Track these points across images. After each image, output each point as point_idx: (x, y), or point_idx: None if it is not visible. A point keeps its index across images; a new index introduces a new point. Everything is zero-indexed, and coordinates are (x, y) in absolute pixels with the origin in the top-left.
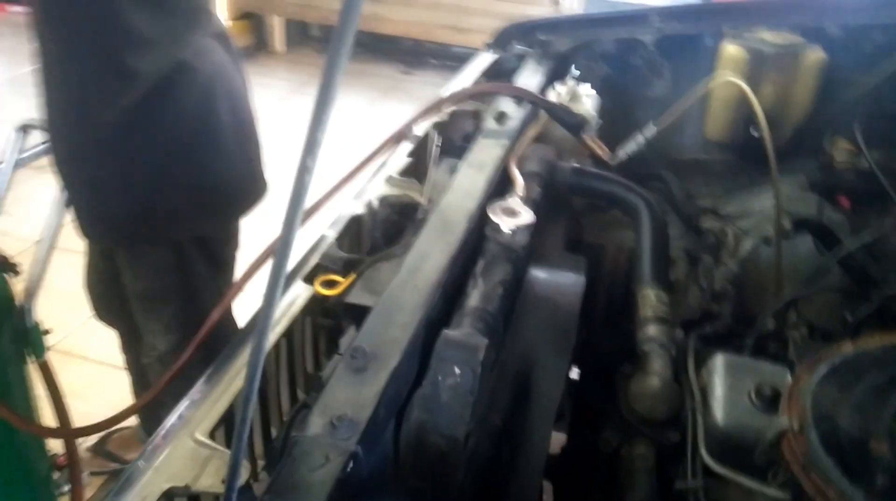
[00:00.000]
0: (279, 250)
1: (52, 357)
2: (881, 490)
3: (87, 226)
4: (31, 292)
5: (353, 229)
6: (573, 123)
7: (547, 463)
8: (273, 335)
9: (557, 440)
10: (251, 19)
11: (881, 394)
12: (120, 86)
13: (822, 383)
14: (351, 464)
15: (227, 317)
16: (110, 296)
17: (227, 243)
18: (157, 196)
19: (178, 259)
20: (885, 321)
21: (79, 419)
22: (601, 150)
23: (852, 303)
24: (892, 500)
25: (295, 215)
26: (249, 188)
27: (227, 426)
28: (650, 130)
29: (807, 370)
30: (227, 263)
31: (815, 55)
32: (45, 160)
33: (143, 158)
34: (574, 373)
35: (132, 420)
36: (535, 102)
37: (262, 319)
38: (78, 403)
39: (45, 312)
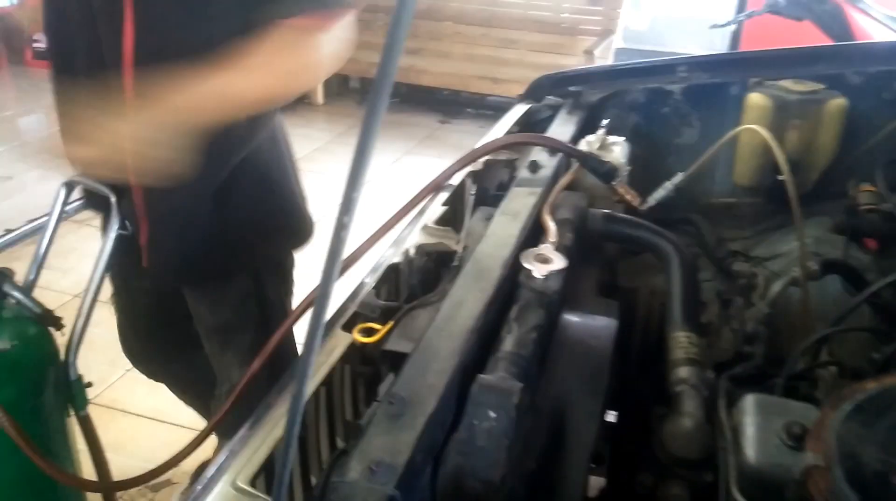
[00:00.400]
0: (318, 302)
1: (92, 410)
2: None
3: (169, 267)
4: (73, 346)
5: (391, 278)
6: (603, 171)
7: None
8: (312, 383)
9: (596, 483)
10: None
11: None
12: (232, 149)
13: (846, 420)
14: None
15: (290, 340)
16: (163, 342)
17: (293, 266)
18: (248, 227)
19: (256, 287)
20: None
21: (118, 472)
22: (631, 196)
23: (881, 342)
24: None
25: (332, 269)
26: (309, 213)
27: (267, 475)
28: (678, 178)
29: (832, 407)
30: (291, 287)
31: (837, 102)
32: (85, 214)
33: (236, 195)
34: (611, 417)
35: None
36: (566, 152)
37: (301, 366)
38: (117, 456)
39: (85, 364)
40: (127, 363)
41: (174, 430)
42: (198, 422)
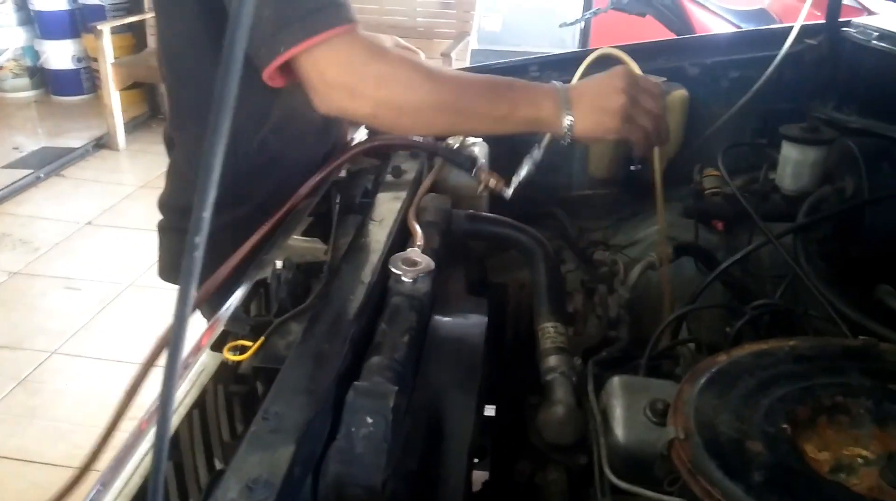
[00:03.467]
0: (175, 329)
1: None
2: (759, 484)
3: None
4: None
5: (260, 293)
6: (461, 160)
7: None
8: (183, 406)
9: (480, 477)
10: (142, 88)
11: (752, 397)
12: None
13: (701, 392)
14: None
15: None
16: None
17: None
18: None
19: None
20: (758, 330)
21: None
22: (495, 179)
23: (733, 317)
24: (768, 492)
25: (187, 292)
26: None
27: None
28: (537, 152)
29: (688, 381)
30: None
31: (678, 94)
32: None
33: None
34: (491, 411)
35: None
36: (423, 149)
37: (165, 385)
38: None
39: None
40: None
41: (42, 470)
42: (69, 459)
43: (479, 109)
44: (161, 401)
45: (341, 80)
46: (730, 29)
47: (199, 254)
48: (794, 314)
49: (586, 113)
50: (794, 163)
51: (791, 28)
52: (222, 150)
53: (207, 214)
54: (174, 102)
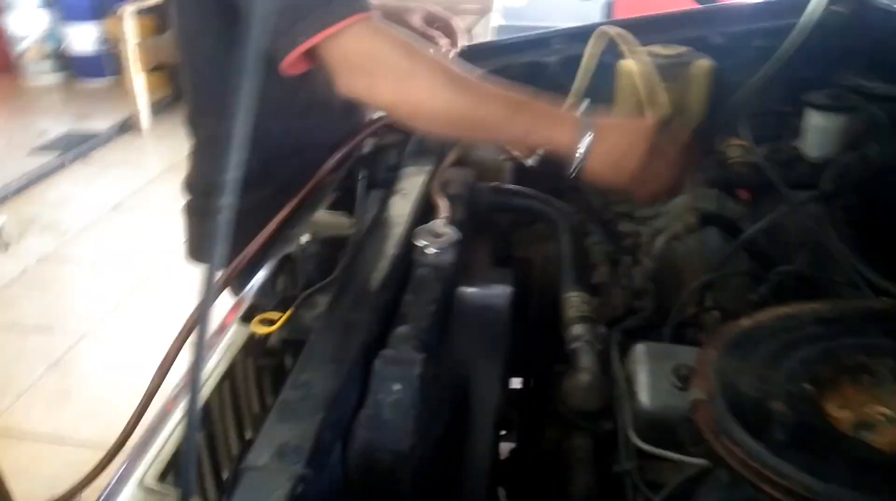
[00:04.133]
0: (204, 297)
1: None
2: (781, 443)
3: None
4: None
5: (286, 268)
6: None
7: (499, 470)
8: (213, 378)
9: (507, 449)
10: (166, 70)
11: (775, 359)
12: None
13: (724, 355)
14: (301, 487)
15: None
16: None
17: None
18: None
19: None
20: (782, 296)
21: (20, 499)
22: (519, 152)
23: (757, 285)
24: (790, 450)
25: (216, 257)
26: None
27: (175, 471)
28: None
29: (712, 345)
30: None
31: (702, 63)
32: None
33: None
34: (517, 383)
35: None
36: None
37: (195, 355)
38: (18, 485)
39: None
40: (19, 386)
41: (76, 451)
42: (102, 440)
43: (497, 123)
44: (191, 369)
45: (364, 66)
46: None
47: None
48: (817, 279)
49: (600, 160)
50: (818, 131)
51: None
52: (248, 125)
53: (238, 174)
54: (193, 86)
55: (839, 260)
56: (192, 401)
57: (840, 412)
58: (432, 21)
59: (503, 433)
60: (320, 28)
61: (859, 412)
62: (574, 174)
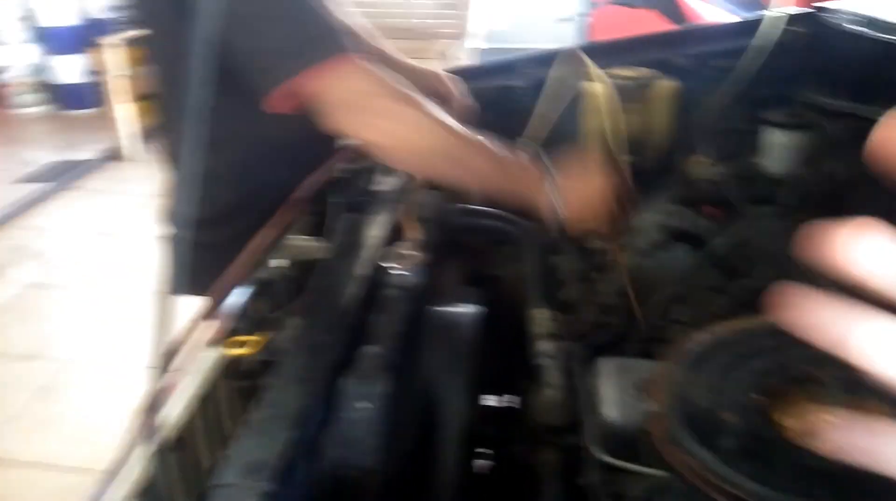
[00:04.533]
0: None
1: None
2: (732, 452)
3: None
4: None
5: (260, 290)
6: None
7: (471, 485)
8: (190, 400)
9: (482, 465)
10: (154, 99)
11: (728, 371)
12: None
13: (680, 368)
14: None
15: None
16: None
17: None
18: None
19: None
20: (743, 309)
21: None
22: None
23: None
24: (740, 459)
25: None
26: None
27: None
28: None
29: (669, 358)
30: None
31: (666, 84)
32: None
33: None
34: (492, 400)
35: None
36: None
37: (154, 380)
38: None
39: None
40: (7, 412)
41: (62, 476)
42: (88, 465)
43: (477, 165)
44: (150, 390)
45: (351, 105)
46: (723, 17)
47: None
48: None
49: (575, 212)
50: (777, 147)
51: (771, 15)
52: (202, 154)
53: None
54: (174, 118)
55: (798, 274)
56: (151, 420)
57: (789, 422)
58: (431, 85)
59: (479, 450)
60: (306, 66)
61: (807, 421)
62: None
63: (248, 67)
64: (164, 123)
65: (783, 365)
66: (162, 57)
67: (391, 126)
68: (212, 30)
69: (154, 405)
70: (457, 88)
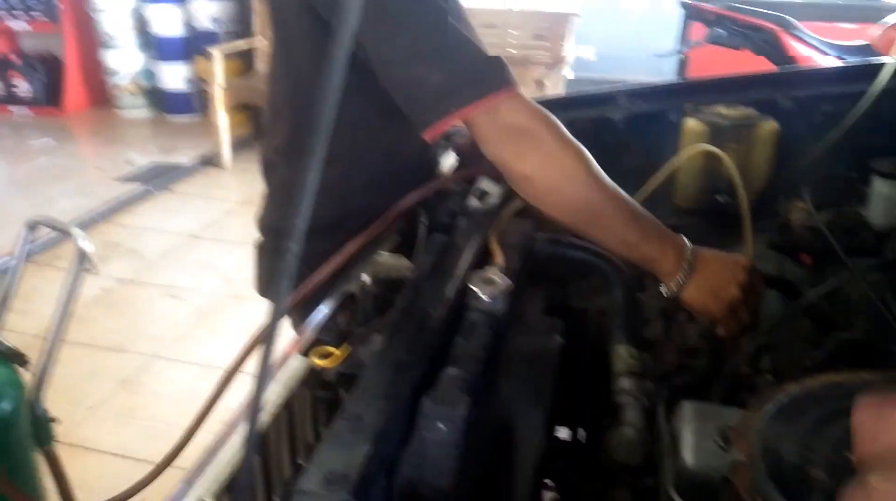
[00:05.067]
0: (268, 327)
1: (56, 449)
2: None
3: None
4: (39, 383)
5: (347, 305)
6: None
7: None
8: (271, 406)
9: (551, 498)
10: (248, 110)
11: (820, 427)
12: None
13: (769, 419)
14: None
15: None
16: None
17: None
18: None
19: None
20: (838, 363)
21: None
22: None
23: (815, 351)
24: None
25: (282, 294)
26: None
27: (231, 493)
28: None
29: (756, 408)
30: None
31: (768, 126)
32: (49, 255)
33: None
34: (565, 433)
35: None
36: None
37: (256, 389)
38: (82, 494)
39: (48, 403)
40: (90, 401)
41: (138, 466)
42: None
43: (614, 225)
44: (253, 397)
45: (516, 138)
46: (829, 63)
47: (292, 258)
48: (875, 349)
49: (699, 287)
50: (884, 198)
51: (888, 62)
52: (318, 170)
53: (303, 222)
54: (288, 129)
55: None
56: (252, 426)
57: (881, 484)
58: None
59: (548, 482)
60: (475, 99)
61: None
62: (669, 296)
63: (414, 97)
64: (275, 134)
65: None
66: (291, 70)
67: (551, 164)
68: (348, 48)
69: (254, 410)
70: None
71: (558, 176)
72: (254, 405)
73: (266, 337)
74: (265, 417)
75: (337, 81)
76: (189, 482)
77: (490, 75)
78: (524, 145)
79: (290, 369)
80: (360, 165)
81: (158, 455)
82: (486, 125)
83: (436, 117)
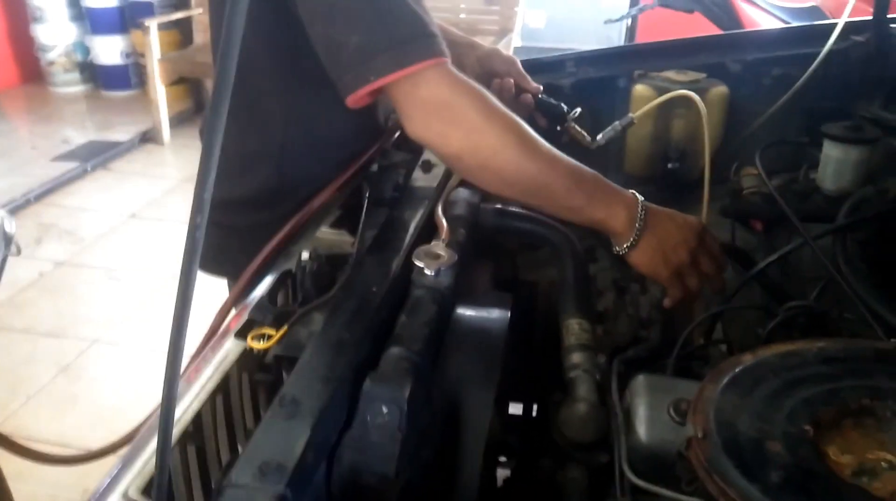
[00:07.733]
0: (177, 307)
1: None
2: (776, 485)
3: None
4: None
5: (285, 283)
6: (556, 113)
7: (493, 496)
8: (206, 392)
9: (504, 475)
10: (187, 84)
11: (776, 398)
12: None
13: (723, 392)
14: None
15: None
16: None
17: None
18: None
19: None
20: (793, 332)
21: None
22: (581, 136)
23: (768, 318)
24: (785, 493)
25: (191, 271)
26: None
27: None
28: (626, 120)
29: (711, 380)
30: None
31: (718, 90)
32: None
33: None
34: (517, 409)
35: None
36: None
37: (169, 371)
38: (24, 486)
39: None
40: (29, 390)
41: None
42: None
43: (556, 192)
44: (165, 386)
45: (438, 113)
46: (779, 26)
47: (200, 234)
48: (828, 316)
49: (648, 248)
50: (835, 162)
51: (836, 24)
52: (221, 133)
53: (208, 195)
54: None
55: (852, 297)
56: (167, 414)
57: (841, 457)
58: (488, 61)
59: (503, 459)
60: (396, 67)
61: (861, 458)
62: (616, 253)
63: (334, 58)
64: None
65: (836, 395)
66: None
67: (478, 140)
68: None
69: (171, 394)
70: (514, 68)
71: (487, 153)
72: (167, 394)
73: (177, 321)
74: (199, 403)
75: (237, 32)
76: (117, 474)
77: (415, 43)
78: (446, 124)
79: (226, 351)
80: (297, 129)
81: (103, 444)
82: (406, 99)
83: (354, 84)
